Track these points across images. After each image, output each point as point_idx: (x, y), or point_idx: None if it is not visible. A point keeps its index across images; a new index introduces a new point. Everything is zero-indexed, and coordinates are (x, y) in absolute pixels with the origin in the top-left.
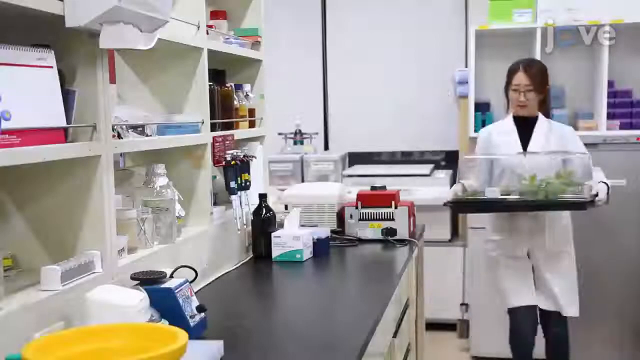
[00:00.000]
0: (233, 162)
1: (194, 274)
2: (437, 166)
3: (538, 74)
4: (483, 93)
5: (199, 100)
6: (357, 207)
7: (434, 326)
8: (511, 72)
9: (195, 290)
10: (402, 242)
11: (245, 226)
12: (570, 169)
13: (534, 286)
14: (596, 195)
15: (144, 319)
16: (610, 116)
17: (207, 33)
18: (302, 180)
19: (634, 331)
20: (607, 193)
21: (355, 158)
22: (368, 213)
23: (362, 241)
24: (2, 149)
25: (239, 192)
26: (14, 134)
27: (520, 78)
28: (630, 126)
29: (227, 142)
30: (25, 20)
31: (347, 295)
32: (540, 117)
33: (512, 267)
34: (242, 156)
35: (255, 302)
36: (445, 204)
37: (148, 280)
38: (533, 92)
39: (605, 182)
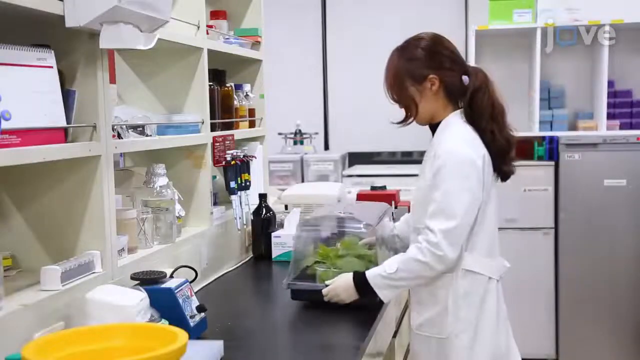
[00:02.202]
0: (233, 162)
1: (194, 274)
2: None
3: (388, 67)
4: None
5: (199, 100)
6: None
7: None
8: None
9: (195, 290)
10: None
11: (245, 226)
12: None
13: None
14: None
15: (144, 319)
16: (610, 116)
17: (207, 33)
18: (302, 180)
19: (633, 330)
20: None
21: (355, 158)
22: None
23: None
24: (2, 149)
25: (239, 192)
26: (14, 134)
27: None
28: (630, 126)
29: (227, 142)
30: (25, 20)
31: None
32: (443, 124)
33: None
34: (242, 156)
35: (255, 302)
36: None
37: (148, 280)
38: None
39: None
